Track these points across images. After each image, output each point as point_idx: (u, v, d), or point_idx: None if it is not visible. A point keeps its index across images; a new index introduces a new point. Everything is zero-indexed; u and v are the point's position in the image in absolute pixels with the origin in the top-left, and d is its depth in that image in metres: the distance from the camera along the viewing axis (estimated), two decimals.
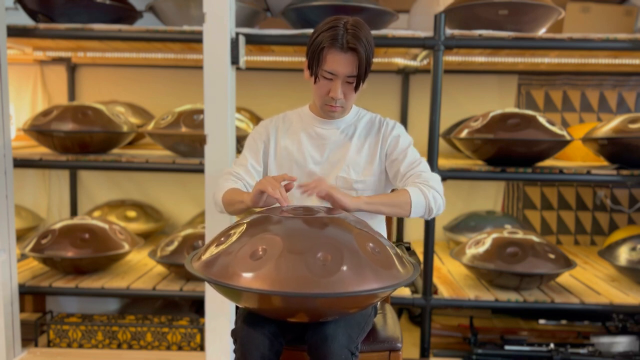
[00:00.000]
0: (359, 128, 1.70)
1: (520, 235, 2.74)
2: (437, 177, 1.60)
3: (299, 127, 1.72)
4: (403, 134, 1.69)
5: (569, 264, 2.66)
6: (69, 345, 2.71)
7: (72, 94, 3.66)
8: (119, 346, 2.71)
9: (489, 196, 3.71)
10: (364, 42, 1.51)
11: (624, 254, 2.79)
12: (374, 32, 2.49)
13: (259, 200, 1.47)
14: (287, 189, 1.49)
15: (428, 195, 1.53)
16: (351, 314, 1.37)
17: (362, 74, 1.54)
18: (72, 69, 3.65)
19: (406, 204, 1.51)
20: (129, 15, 2.87)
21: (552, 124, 2.69)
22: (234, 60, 2.35)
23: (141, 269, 2.96)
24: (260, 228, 1.34)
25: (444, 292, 2.67)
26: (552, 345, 2.64)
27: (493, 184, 3.71)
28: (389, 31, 2.59)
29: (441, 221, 3.50)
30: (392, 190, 1.74)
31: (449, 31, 2.56)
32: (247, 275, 1.22)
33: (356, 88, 1.57)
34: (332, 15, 1.58)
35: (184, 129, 2.70)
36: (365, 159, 1.67)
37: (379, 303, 1.75)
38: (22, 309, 2.95)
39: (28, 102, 3.69)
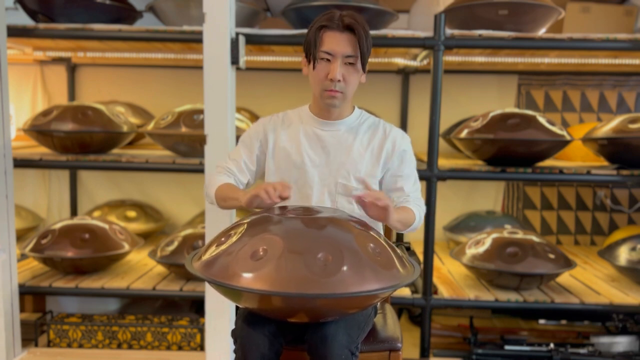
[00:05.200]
0: (361, 132, 1.65)
1: (520, 235, 2.73)
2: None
3: (299, 128, 1.67)
4: (409, 149, 1.69)
5: (569, 264, 2.66)
6: (69, 345, 2.71)
7: (72, 94, 3.66)
8: (119, 346, 2.71)
9: (489, 196, 3.71)
10: (361, 23, 1.53)
11: (624, 254, 2.79)
12: (373, 32, 2.50)
13: (253, 203, 1.47)
14: (283, 197, 1.47)
15: (420, 221, 1.62)
16: (351, 314, 1.37)
17: (361, 55, 1.54)
18: (72, 69, 3.65)
19: (408, 225, 1.58)
20: (129, 15, 2.87)
21: (552, 124, 2.69)
22: (234, 60, 2.35)
23: (141, 269, 2.96)
24: (260, 228, 1.34)
25: (444, 292, 2.67)
26: (552, 345, 2.64)
27: (493, 184, 3.71)
28: (389, 31, 2.59)
29: (441, 221, 3.49)
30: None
31: (449, 31, 2.56)
32: (248, 275, 1.22)
33: (358, 72, 1.56)
34: None
35: (184, 129, 2.70)
36: (366, 166, 1.62)
37: (379, 303, 1.75)
38: (22, 309, 2.95)
39: (28, 102, 3.69)
